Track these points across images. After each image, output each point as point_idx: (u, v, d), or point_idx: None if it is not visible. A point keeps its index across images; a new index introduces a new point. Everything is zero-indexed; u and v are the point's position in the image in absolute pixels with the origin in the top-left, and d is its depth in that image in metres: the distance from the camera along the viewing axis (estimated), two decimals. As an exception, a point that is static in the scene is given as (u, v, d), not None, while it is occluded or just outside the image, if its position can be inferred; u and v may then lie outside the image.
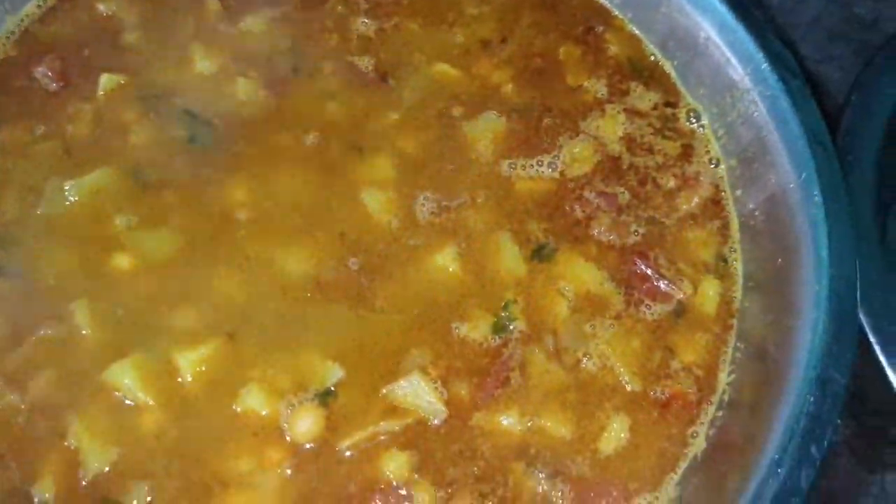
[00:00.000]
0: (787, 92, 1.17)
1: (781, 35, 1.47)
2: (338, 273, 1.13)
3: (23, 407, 1.04)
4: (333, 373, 1.07)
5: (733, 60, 1.22)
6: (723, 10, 1.24)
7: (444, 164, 1.22)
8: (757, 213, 1.18)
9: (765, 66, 1.18)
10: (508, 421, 1.06)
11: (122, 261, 1.12)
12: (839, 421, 0.97)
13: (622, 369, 1.10)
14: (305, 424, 1.04)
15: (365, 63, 1.29)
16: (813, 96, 1.18)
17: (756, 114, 1.18)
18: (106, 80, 1.23)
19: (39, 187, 1.16)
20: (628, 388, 1.10)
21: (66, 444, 1.03)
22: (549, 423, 1.07)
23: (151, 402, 1.05)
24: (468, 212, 1.18)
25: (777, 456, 0.95)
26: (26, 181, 1.17)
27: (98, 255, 1.12)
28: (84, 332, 1.08)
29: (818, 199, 1.09)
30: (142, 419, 1.04)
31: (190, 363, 1.07)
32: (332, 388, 1.06)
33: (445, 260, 1.14)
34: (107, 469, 1.02)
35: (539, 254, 1.16)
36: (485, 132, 1.24)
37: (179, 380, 1.06)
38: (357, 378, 1.07)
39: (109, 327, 1.09)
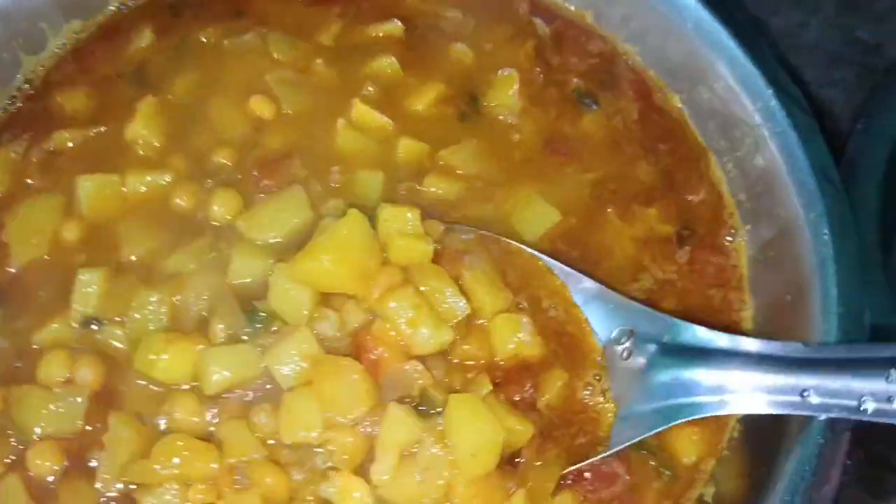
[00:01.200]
0: (796, 128, 1.18)
1: (783, 60, 1.47)
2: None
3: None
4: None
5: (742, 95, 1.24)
6: (732, 44, 1.25)
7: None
8: (766, 248, 1.20)
9: (774, 102, 1.20)
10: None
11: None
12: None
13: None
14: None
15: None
16: (818, 124, 1.20)
17: (765, 150, 1.20)
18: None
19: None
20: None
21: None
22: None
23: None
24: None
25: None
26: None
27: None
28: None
29: (827, 237, 1.11)
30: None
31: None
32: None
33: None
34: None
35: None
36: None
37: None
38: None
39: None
